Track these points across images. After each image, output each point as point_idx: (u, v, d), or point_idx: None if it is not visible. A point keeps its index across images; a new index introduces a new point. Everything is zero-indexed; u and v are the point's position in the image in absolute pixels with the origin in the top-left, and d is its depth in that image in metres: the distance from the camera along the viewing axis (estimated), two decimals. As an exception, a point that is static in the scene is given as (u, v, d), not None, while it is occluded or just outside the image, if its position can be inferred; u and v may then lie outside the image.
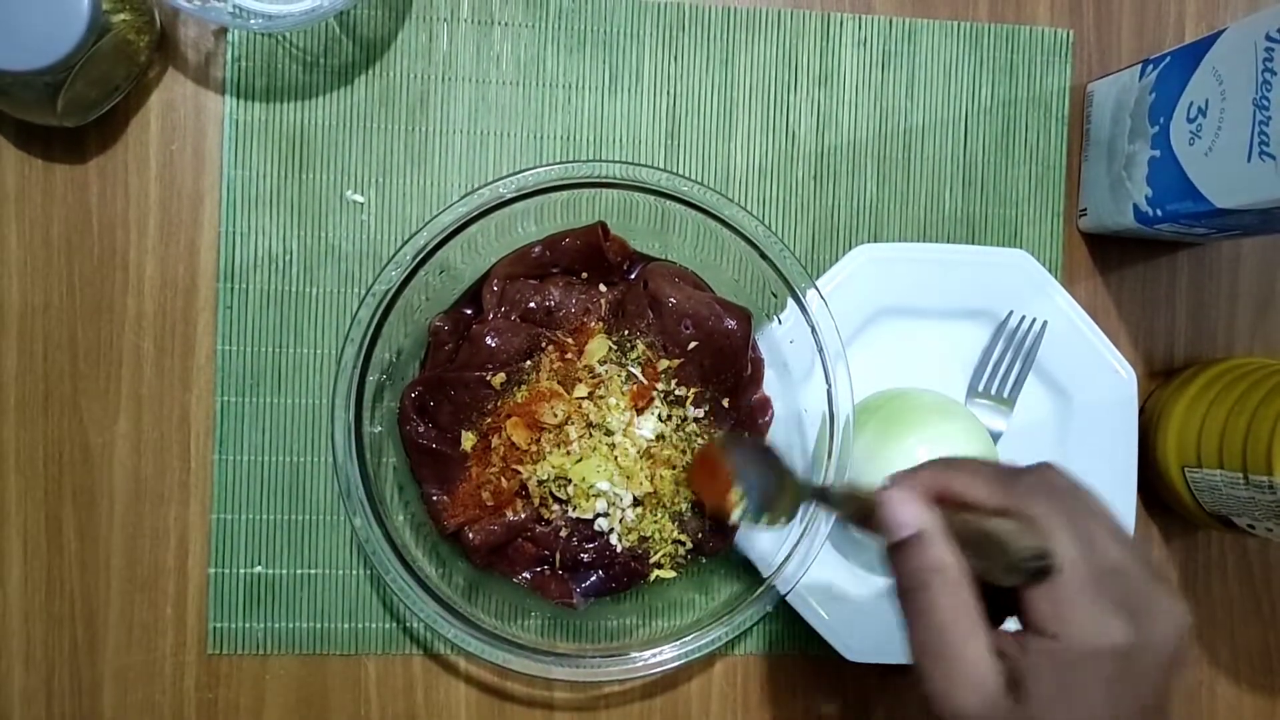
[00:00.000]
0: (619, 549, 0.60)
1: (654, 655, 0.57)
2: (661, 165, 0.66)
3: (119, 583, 0.62)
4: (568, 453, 0.59)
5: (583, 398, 0.59)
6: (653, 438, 0.60)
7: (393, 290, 0.56)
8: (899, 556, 0.42)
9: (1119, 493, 0.66)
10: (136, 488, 0.62)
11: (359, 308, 0.56)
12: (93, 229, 0.62)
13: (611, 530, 0.60)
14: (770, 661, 0.66)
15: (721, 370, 0.61)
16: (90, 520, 0.62)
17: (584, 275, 0.62)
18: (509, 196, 0.57)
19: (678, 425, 0.61)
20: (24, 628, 0.61)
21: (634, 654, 0.57)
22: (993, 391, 0.66)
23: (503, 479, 0.59)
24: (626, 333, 0.61)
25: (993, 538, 0.41)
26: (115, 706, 0.62)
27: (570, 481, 0.59)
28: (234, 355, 0.63)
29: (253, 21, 0.58)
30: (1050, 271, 0.66)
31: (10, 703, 0.61)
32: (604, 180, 0.57)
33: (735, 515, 0.52)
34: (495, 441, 0.59)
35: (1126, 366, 0.66)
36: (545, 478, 0.59)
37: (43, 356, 0.62)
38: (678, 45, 0.66)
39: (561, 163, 0.57)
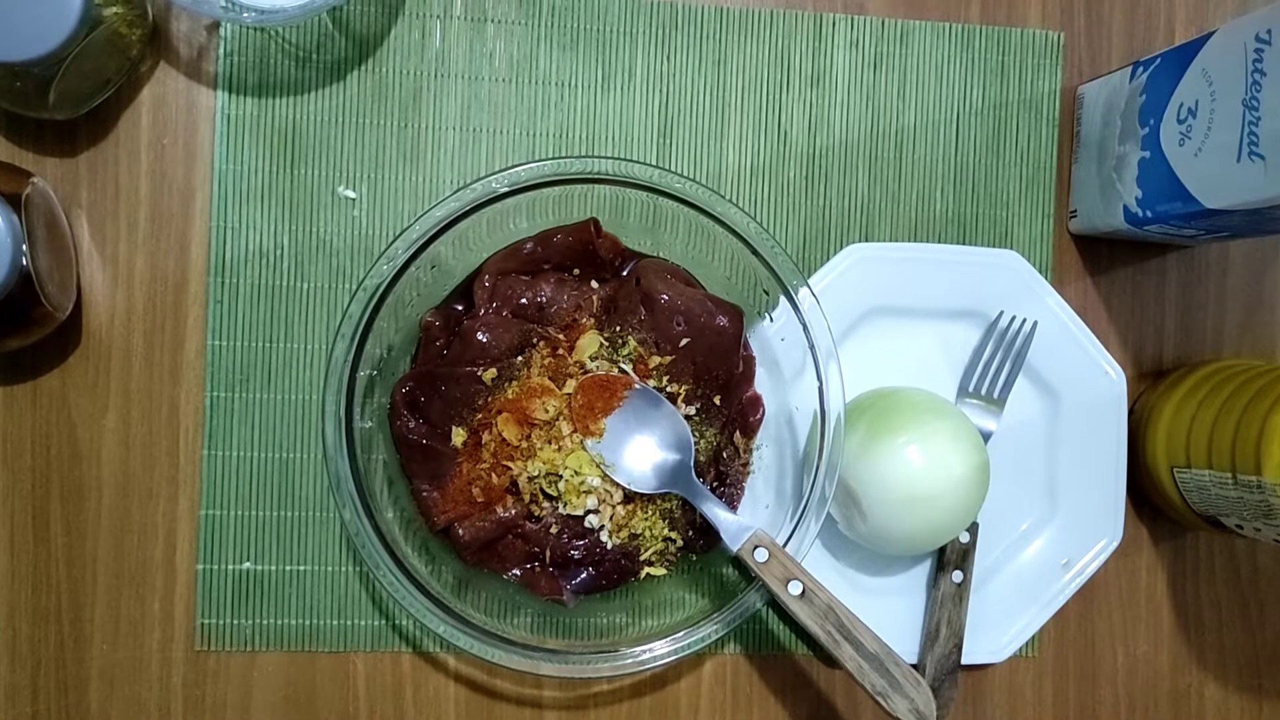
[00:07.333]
0: (609, 546, 0.60)
1: (644, 651, 0.57)
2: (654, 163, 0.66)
3: (106, 578, 0.62)
4: (559, 449, 0.59)
5: (574, 394, 0.59)
6: (644, 434, 0.60)
7: (384, 285, 0.56)
8: None
9: (1108, 494, 0.66)
10: (125, 483, 0.62)
11: (350, 302, 0.56)
12: (83, 222, 0.62)
13: (602, 527, 0.60)
14: (759, 661, 0.66)
15: (713, 367, 0.61)
16: (78, 515, 0.61)
17: (576, 271, 0.62)
18: (502, 191, 0.57)
19: (669, 422, 0.60)
20: (10, 623, 0.61)
21: (624, 650, 0.57)
22: (983, 392, 0.66)
23: (493, 475, 0.59)
24: (618, 329, 0.61)
25: None
26: (101, 703, 0.61)
27: (561, 478, 0.59)
28: (224, 350, 0.63)
29: (245, 16, 0.58)
30: (1040, 273, 0.66)
31: (-5, 698, 0.61)
32: (597, 176, 0.57)
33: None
34: (486, 437, 0.59)
35: (1116, 367, 0.66)
36: (536, 474, 0.59)
37: (31, 349, 0.61)
38: (671, 44, 0.66)
39: (555, 158, 0.57)
